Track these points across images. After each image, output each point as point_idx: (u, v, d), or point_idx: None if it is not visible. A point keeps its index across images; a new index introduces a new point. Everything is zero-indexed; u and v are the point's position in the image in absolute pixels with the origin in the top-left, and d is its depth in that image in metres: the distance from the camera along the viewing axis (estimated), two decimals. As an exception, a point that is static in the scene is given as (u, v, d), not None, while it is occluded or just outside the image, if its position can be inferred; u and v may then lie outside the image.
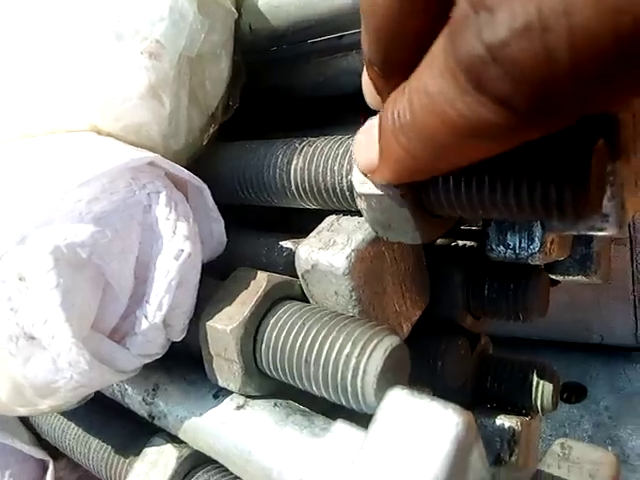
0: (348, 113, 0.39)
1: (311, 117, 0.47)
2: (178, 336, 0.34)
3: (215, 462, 0.34)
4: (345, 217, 0.35)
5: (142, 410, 0.38)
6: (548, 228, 0.32)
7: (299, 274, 0.34)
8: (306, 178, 0.36)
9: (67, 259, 0.29)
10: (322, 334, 0.29)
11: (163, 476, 0.34)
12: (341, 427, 0.25)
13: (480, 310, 0.40)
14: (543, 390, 0.41)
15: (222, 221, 0.38)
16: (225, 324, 0.31)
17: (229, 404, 0.33)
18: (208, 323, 0.32)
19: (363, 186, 0.28)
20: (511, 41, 0.15)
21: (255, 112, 0.47)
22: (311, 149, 0.36)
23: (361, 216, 0.32)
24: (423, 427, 0.20)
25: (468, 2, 0.16)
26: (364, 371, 0.26)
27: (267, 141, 0.40)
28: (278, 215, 0.45)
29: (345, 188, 0.34)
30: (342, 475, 0.22)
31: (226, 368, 0.32)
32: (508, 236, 0.36)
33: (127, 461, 0.40)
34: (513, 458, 0.39)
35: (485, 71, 0.16)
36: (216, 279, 0.36)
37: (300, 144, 0.37)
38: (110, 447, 0.41)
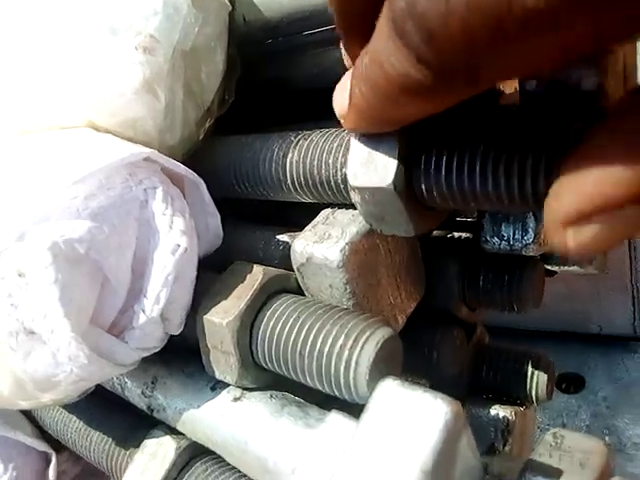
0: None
1: (307, 109, 0.47)
2: (176, 330, 0.35)
3: (213, 453, 0.34)
4: (340, 210, 0.35)
5: (141, 403, 0.38)
6: (541, 219, 0.32)
7: (295, 267, 0.34)
8: (301, 171, 0.36)
9: (65, 255, 0.29)
10: (316, 327, 0.29)
11: (162, 467, 0.35)
12: (335, 418, 0.25)
13: (475, 301, 0.41)
14: (538, 380, 0.42)
15: (218, 215, 0.38)
16: (221, 317, 0.32)
17: (226, 396, 0.34)
18: (205, 316, 0.33)
19: (357, 179, 0.28)
20: None
21: (250, 105, 0.47)
22: (306, 142, 0.36)
23: (356, 209, 0.32)
24: (413, 416, 0.20)
25: None
26: (356, 363, 0.27)
27: (263, 135, 0.40)
28: (274, 209, 0.45)
29: (340, 181, 0.34)
30: (335, 464, 0.23)
31: (223, 361, 0.33)
32: (502, 227, 0.36)
33: (127, 453, 0.40)
34: (507, 448, 0.40)
35: (405, 25, 0.17)
36: (213, 273, 0.36)
37: (295, 137, 0.37)
38: (111, 439, 0.42)
